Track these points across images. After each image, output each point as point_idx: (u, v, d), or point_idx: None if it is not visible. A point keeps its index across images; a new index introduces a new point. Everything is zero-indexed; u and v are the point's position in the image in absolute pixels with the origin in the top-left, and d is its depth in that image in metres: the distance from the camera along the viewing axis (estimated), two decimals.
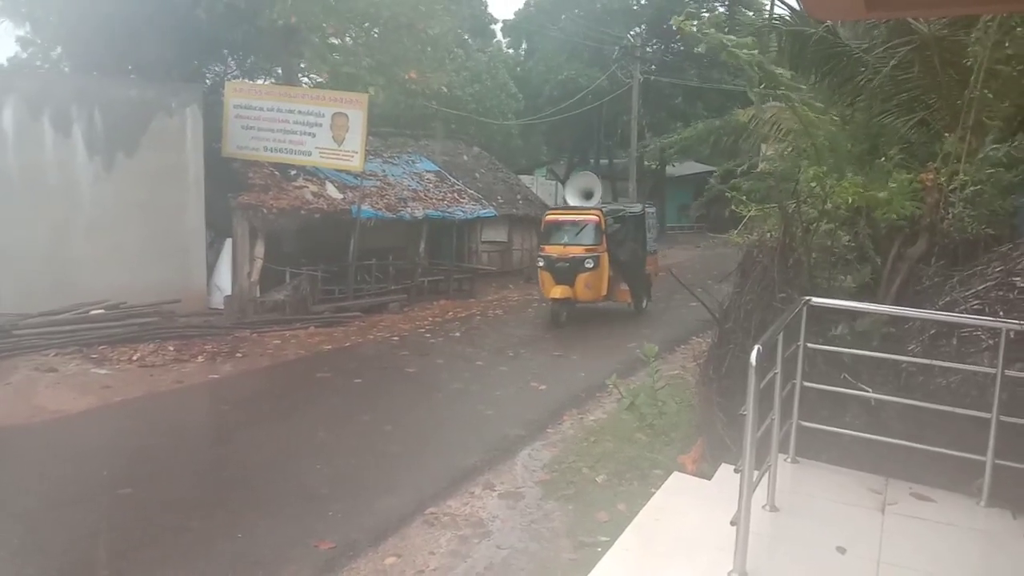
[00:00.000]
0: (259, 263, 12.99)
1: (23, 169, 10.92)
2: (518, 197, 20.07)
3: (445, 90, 18.15)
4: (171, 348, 10.40)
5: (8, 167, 10.81)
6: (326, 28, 13.75)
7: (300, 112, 13.23)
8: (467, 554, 4.77)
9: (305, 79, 16.64)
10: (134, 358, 9.90)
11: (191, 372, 9.51)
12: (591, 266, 12.56)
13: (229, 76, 15.29)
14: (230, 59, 15.54)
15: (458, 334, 12.40)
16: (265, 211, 12.80)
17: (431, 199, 16.68)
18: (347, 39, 15.32)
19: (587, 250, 12.74)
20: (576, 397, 8.45)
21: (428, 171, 18.22)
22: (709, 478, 4.70)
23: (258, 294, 12.88)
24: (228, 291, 12.68)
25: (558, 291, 12.57)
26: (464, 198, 17.69)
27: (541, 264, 13.07)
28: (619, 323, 13.45)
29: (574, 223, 13.20)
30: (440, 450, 6.79)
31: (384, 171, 16.81)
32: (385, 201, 15.24)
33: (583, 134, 31.75)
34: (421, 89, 16.36)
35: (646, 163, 27.97)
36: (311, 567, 4.58)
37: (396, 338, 12.03)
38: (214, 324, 11.77)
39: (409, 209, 15.52)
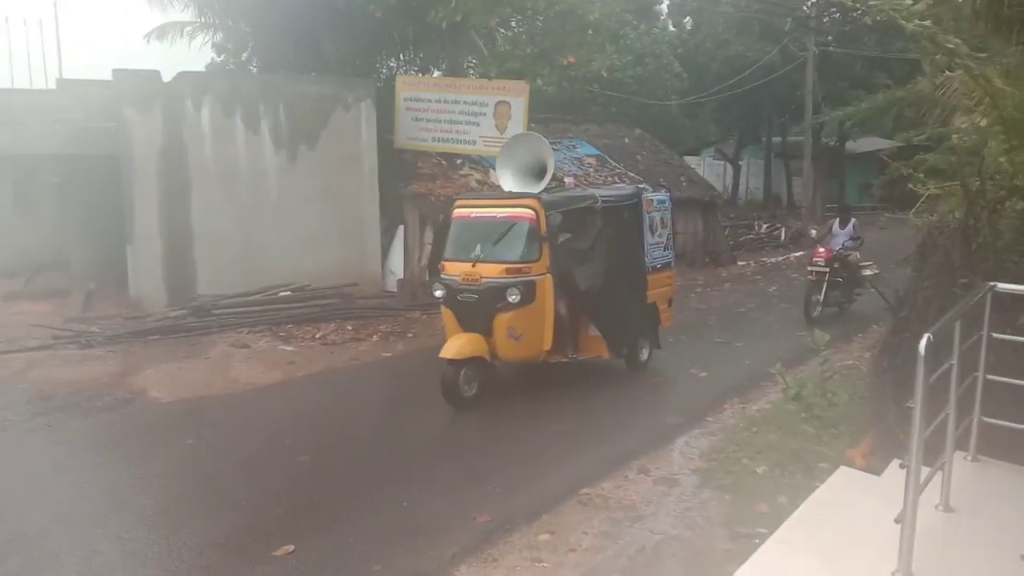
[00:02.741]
0: (428, 248, 13.57)
1: (218, 163, 12.04)
2: (682, 179, 19.58)
3: (605, 74, 18.02)
4: (349, 328, 11.13)
5: (206, 161, 11.95)
6: (490, 20, 14.05)
7: (465, 102, 13.64)
8: (619, 536, 4.80)
9: (471, 70, 17.10)
10: (316, 336, 10.70)
11: (367, 350, 10.14)
12: (516, 299, 7.32)
13: (400, 70, 15.99)
14: (401, 54, 16.23)
15: None
16: (433, 199, 13.35)
17: (591, 183, 16.66)
18: (511, 27, 15.60)
19: (511, 270, 7.42)
20: (739, 387, 8.19)
21: (589, 155, 18.19)
22: (879, 474, 4.44)
23: (427, 277, 13.45)
24: (400, 275, 13.38)
25: (457, 345, 7.33)
26: (625, 181, 17.52)
27: (438, 294, 7.83)
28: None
29: (493, 221, 7.80)
30: (594, 433, 6.84)
31: None
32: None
33: (753, 111, 30.45)
34: (582, 74, 16.35)
35: (823, 140, 26.29)
36: (468, 537, 4.80)
37: None
38: (388, 306, 12.47)
39: None
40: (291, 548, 4.64)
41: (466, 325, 7.57)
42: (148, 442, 6.82)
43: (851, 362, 8.81)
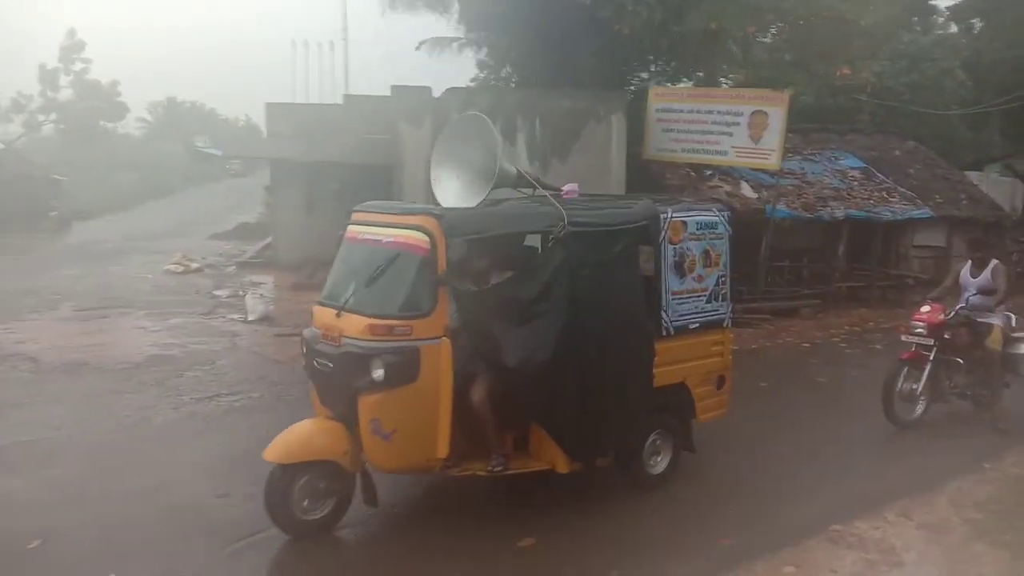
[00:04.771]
0: None
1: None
2: (961, 196, 17.62)
3: (875, 80, 16.69)
4: None
5: None
6: (747, 28, 13.64)
7: (718, 112, 13.31)
8: None
9: (725, 80, 16.71)
10: None
11: None
12: (381, 378, 4.56)
13: (652, 81, 15.99)
14: (653, 66, 16.22)
15: (879, 347, 11.38)
16: None
17: (854, 198, 15.52)
18: (769, 35, 15.02)
19: (378, 329, 4.66)
20: None
21: (853, 168, 16.97)
22: None
23: None
24: None
25: (290, 440, 4.82)
26: (894, 197, 16.11)
27: (305, 352, 5.25)
28: None
29: (375, 248, 5.08)
30: (848, 468, 6.35)
31: (803, 169, 16.10)
32: (802, 200, 14.61)
33: None
34: (847, 82, 15.31)
35: None
36: (710, 558, 4.72)
37: (806, 344, 11.52)
38: None
39: (828, 209, 14.66)
40: (532, 541, 4.82)
41: (327, 405, 5.07)
42: None
43: None
